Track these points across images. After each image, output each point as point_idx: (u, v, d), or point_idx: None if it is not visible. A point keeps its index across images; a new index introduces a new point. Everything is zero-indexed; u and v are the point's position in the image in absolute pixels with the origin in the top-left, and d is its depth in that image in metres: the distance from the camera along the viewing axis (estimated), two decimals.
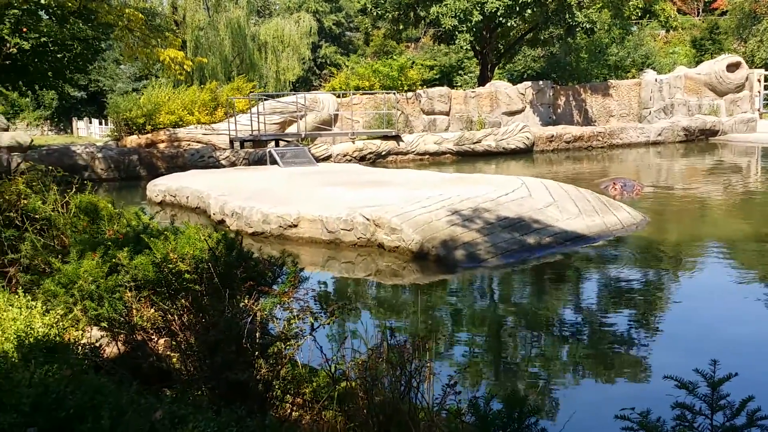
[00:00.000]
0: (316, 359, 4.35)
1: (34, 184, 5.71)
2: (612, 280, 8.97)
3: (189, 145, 24.28)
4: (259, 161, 21.34)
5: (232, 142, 23.39)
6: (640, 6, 32.08)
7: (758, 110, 29.96)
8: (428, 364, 3.42)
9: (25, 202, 5.30)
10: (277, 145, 22.59)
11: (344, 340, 3.85)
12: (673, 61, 39.03)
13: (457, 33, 27.78)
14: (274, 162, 19.76)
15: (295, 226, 11.19)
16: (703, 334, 6.89)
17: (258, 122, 23.49)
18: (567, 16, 27.22)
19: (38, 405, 2.71)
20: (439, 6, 27.86)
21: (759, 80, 30.13)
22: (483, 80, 31.59)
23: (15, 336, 3.28)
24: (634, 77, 33.47)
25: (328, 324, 4.07)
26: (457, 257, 9.52)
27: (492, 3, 26.72)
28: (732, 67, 29.84)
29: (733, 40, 42.86)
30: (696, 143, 26.56)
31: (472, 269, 9.40)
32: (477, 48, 31.37)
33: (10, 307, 3.61)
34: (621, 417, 2.97)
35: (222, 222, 12.41)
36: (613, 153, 25.23)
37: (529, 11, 27.00)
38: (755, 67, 33.00)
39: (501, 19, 27.32)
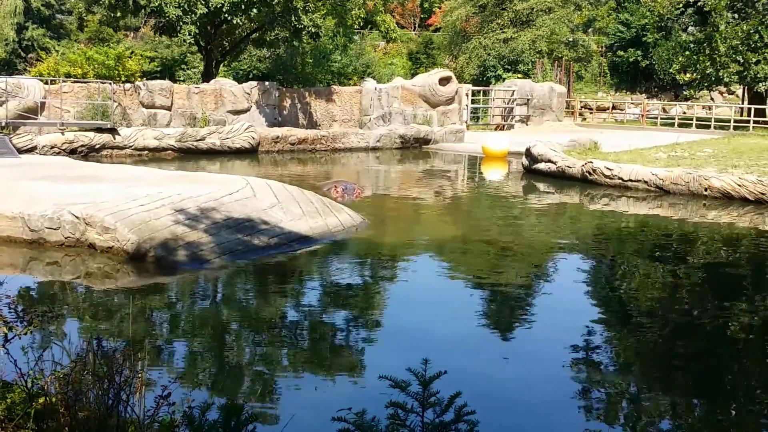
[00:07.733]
0: (11, 374, 3.87)
1: None
2: (333, 281, 9.20)
3: None
4: None
5: None
6: (363, 16, 33.59)
7: (466, 122, 32.78)
8: (140, 375, 3.16)
9: None
10: None
11: (44, 351, 3.44)
12: (391, 72, 41.39)
13: (181, 24, 26.85)
14: None
15: None
16: (417, 333, 7.29)
17: None
18: (293, 18, 27.50)
19: None
20: None
21: (467, 94, 33.01)
22: (207, 77, 30.93)
23: None
24: (355, 85, 34.91)
25: (26, 334, 3.63)
26: (179, 258, 9.19)
27: None
28: (444, 81, 32.33)
29: (445, 56, 46.39)
30: (411, 150, 28.36)
31: (194, 270, 9.12)
32: (201, 43, 30.67)
33: None
34: (338, 419, 2.99)
35: None
36: (336, 156, 26.08)
37: (255, 10, 26.93)
38: (464, 83, 36.00)
39: (226, 15, 26.93)
